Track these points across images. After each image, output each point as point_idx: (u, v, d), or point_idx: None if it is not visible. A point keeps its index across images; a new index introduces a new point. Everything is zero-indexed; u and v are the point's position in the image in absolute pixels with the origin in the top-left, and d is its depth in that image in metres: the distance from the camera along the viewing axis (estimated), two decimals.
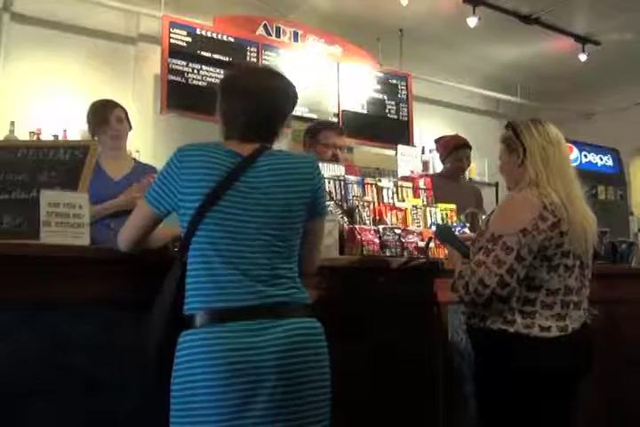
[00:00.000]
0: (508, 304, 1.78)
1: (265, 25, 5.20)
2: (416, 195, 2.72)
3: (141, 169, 2.72)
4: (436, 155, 6.09)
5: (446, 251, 2.21)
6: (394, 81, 5.87)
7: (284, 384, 1.46)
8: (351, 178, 2.59)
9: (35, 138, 4.19)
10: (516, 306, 1.77)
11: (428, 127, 6.33)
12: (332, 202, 2.40)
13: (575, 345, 1.82)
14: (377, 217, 2.49)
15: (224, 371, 1.43)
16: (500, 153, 1.97)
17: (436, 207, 2.71)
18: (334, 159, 2.94)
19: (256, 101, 1.64)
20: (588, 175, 3.99)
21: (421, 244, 2.44)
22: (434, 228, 2.60)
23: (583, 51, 5.88)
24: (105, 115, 2.67)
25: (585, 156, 4.36)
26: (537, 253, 1.75)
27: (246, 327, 1.47)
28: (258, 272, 1.53)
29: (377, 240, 2.33)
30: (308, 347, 1.52)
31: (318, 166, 1.69)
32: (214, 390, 1.42)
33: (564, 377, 1.83)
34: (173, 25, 4.75)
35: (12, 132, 4.21)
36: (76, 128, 4.17)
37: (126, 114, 2.77)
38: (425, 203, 2.71)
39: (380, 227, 2.40)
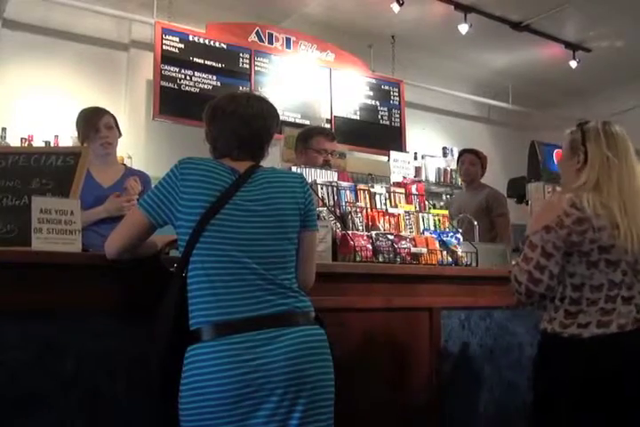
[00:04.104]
0: (554, 304, 1.81)
1: (257, 31, 5.21)
2: (409, 201, 2.72)
3: (132, 175, 2.71)
4: (429, 160, 6.17)
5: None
6: (386, 87, 5.89)
7: (293, 391, 1.49)
8: (344, 184, 2.59)
9: (26, 144, 4.18)
10: (562, 305, 1.80)
11: (420, 133, 6.36)
12: (325, 208, 2.40)
13: (619, 344, 1.74)
14: (370, 223, 2.49)
15: (236, 382, 1.45)
16: (563, 151, 1.98)
17: (428, 213, 2.71)
18: (326, 164, 2.94)
19: (248, 124, 1.69)
20: None
21: (414, 250, 2.44)
22: (427, 233, 2.60)
23: (574, 57, 5.93)
24: (94, 122, 2.66)
25: None
26: (570, 248, 1.77)
27: (254, 338, 1.49)
28: (260, 282, 1.55)
29: (370, 246, 2.33)
30: (314, 354, 1.55)
31: (307, 182, 1.75)
32: (226, 400, 1.45)
33: (600, 380, 1.72)
34: (166, 31, 4.75)
35: (3, 138, 4.19)
36: (67, 134, 4.16)
37: (115, 121, 2.76)
38: (417, 209, 2.71)
39: (373, 233, 2.40)
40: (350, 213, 2.46)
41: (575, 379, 1.74)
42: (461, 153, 4.44)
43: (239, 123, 1.68)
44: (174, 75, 4.73)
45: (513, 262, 1.90)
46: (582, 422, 1.75)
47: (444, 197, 6.05)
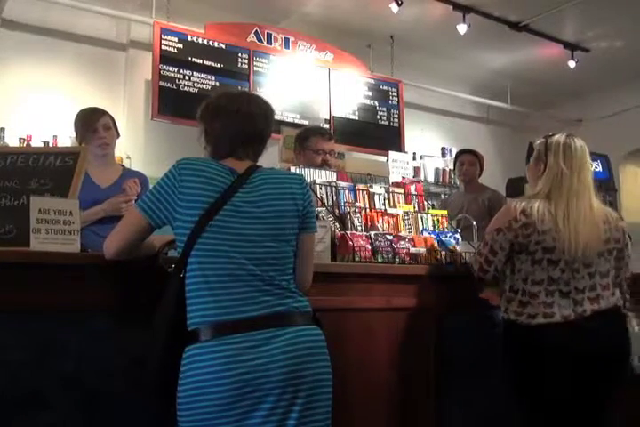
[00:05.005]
0: (507, 295, 2.14)
1: (256, 32, 5.21)
2: (407, 201, 2.72)
3: (129, 176, 2.71)
4: (427, 161, 6.17)
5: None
6: (385, 87, 5.90)
7: (291, 391, 1.49)
8: (343, 184, 2.59)
9: (25, 144, 4.17)
10: (515, 297, 2.11)
11: (419, 133, 6.36)
12: (324, 208, 2.40)
13: (561, 330, 2.03)
14: (369, 223, 2.49)
15: (234, 382, 1.45)
16: (531, 159, 2.24)
17: (427, 213, 2.71)
18: (325, 164, 2.94)
19: (253, 122, 1.69)
20: None
21: (413, 250, 2.44)
22: (425, 234, 2.60)
23: (572, 57, 5.93)
24: (92, 123, 2.66)
25: None
26: (519, 248, 2.10)
27: (252, 338, 1.49)
28: (258, 283, 1.55)
29: (369, 246, 2.33)
30: (312, 354, 1.56)
31: (306, 183, 1.75)
32: (224, 400, 1.45)
33: (546, 358, 2.04)
34: (165, 31, 4.75)
35: (1, 138, 4.19)
36: (66, 134, 4.16)
37: (114, 121, 2.76)
38: (416, 209, 2.71)
39: (372, 233, 2.40)
40: (349, 213, 2.46)
41: (526, 357, 2.08)
42: (459, 153, 4.44)
43: (244, 121, 1.68)
44: (173, 75, 4.73)
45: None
46: (533, 395, 2.09)
47: (442, 197, 6.05)
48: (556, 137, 2.16)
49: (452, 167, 6.25)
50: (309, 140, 3.03)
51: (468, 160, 4.28)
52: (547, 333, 2.04)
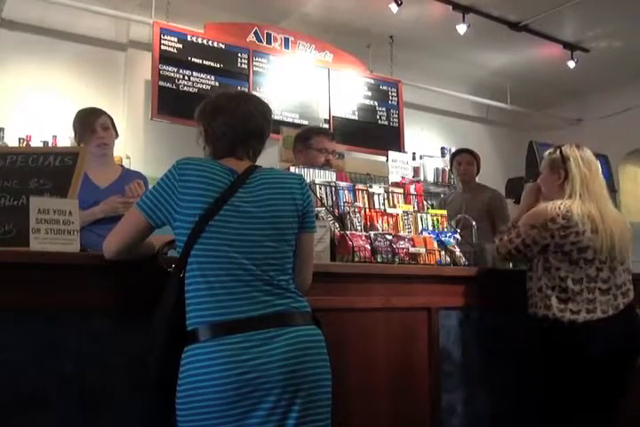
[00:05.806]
0: (544, 293, 2.25)
1: (256, 32, 5.21)
2: (407, 201, 2.72)
3: (129, 176, 2.71)
4: (427, 160, 6.17)
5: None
6: (384, 87, 5.90)
7: (290, 391, 1.49)
8: (342, 184, 2.59)
9: (24, 144, 4.17)
10: (553, 293, 2.24)
11: (419, 133, 6.36)
12: (324, 208, 2.40)
13: (606, 329, 2.19)
14: (368, 223, 2.49)
15: (233, 382, 1.45)
16: (543, 168, 2.43)
17: (426, 213, 2.71)
18: (327, 164, 2.94)
19: (253, 121, 1.70)
20: None
21: (413, 250, 2.44)
22: (425, 233, 2.60)
23: (572, 58, 5.93)
24: (90, 123, 2.66)
25: None
26: (554, 248, 2.24)
27: (251, 338, 1.49)
28: (257, 283, 1.55)
29: (368, 246, 2.34)
30: (311, 353, 1.56)
31: (306, 183, 1.75)
32: (223, 400, 1.45)
33: (601, 357, 2.19)
34: (164, 31, 4.75)
35: (1, 138, 4.19)
36: (65, 135, 4.15)
37: (112, 121, 2.76)
38: (416, 209, 2.71)
39: (372, 233, 2.40)
40: (349, 213, 2.46)
41: (573, 352, 2.20)
42: (456, 153, 4.43)
43: (243, 121, 1.68)
44: (172, 75, 4.73)
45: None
46: (586, 386, 2.22)
47: (442, 197, 6.06)
48: (567, 146, 2.35)
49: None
50: (313, 139, 3.02)
51: (466, 160, 4.28)
52: (591, 329, 2.18)
